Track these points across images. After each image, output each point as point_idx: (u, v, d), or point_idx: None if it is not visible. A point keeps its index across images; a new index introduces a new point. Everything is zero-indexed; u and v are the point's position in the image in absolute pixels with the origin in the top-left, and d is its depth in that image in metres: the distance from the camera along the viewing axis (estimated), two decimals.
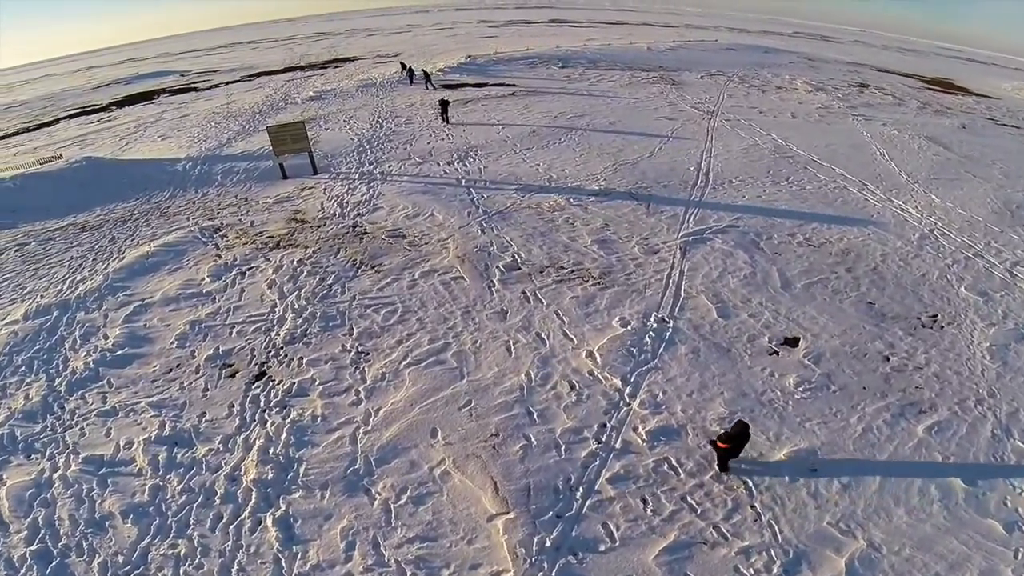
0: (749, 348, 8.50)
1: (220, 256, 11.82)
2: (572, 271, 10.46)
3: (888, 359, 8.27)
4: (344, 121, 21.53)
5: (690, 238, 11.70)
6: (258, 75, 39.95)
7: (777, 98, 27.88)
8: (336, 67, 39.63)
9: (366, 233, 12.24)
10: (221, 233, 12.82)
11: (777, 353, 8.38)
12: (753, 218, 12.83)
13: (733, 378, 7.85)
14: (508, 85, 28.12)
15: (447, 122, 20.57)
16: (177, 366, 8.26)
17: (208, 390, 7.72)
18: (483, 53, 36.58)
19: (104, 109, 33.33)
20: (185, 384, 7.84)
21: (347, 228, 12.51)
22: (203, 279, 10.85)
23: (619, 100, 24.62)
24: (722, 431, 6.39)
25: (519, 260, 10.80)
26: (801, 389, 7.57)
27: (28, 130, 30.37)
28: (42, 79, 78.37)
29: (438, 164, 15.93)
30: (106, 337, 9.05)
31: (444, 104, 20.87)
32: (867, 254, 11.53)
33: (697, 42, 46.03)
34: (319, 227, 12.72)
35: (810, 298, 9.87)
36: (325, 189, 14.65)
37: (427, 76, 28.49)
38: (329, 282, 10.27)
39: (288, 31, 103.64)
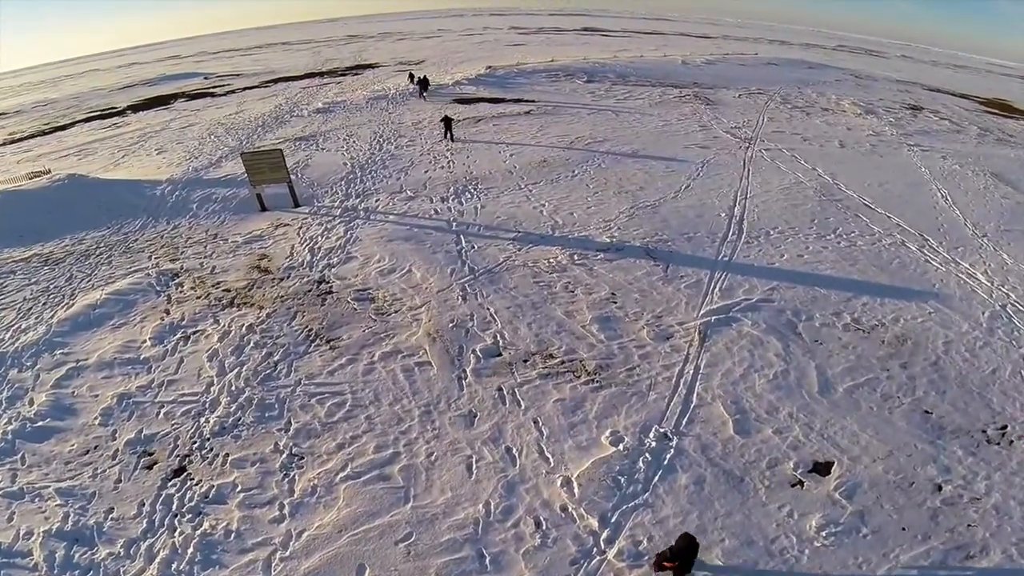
0: (767, 478, 6.68)
1: (168, 312, 10.53)
2: (563, 361, 8.59)
3: (940, 488, 6.59)
4: (343, 140, 20.13)
5: (713, 318, 9.65)
6: (277, 80, 39.23)
7: (823, 122, 25.23)
8: (355, 74, 38.57)
9: (331, 292, 10.64)
10: (178, 281, 11.49)
11: (802, 484, 6.63)
12: (792, 288, 10.68)
13: (740, 519, 6.16)
14: (526, 101, 26.29)
15: (452, 140, 19.31)
16: (95, 447, 7.39)
17: (121, 481, 6.85)
18: (505, 64, 34.86)
19: (120, 113, 32.98)
20: (99, 471, 7.02)
21: (312, 284, 10.94)
22: (144, 341, 9.69)
23: (646, 122, 22.48)
24: (665, 548, 5.42)
25: (501, 342, 9.00)
26: (824, 534, 6.01)
27: (43, 133, 30.13)
28: (86, 74, 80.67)
29: (431, 200, 14.25)
30: (31, 403, 8.31)
31: (448, 122, 19.55)
32: (927, 342, 9.33)
33: (736, 56, 43.11)
34: (281, 280, 11.19)
35: (853, 406, 7.85)
36: (300, 228, 13.14)
37: (424, 84, 26.99)
38: (276, 358, 8.78)
39: (326, 32, 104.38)
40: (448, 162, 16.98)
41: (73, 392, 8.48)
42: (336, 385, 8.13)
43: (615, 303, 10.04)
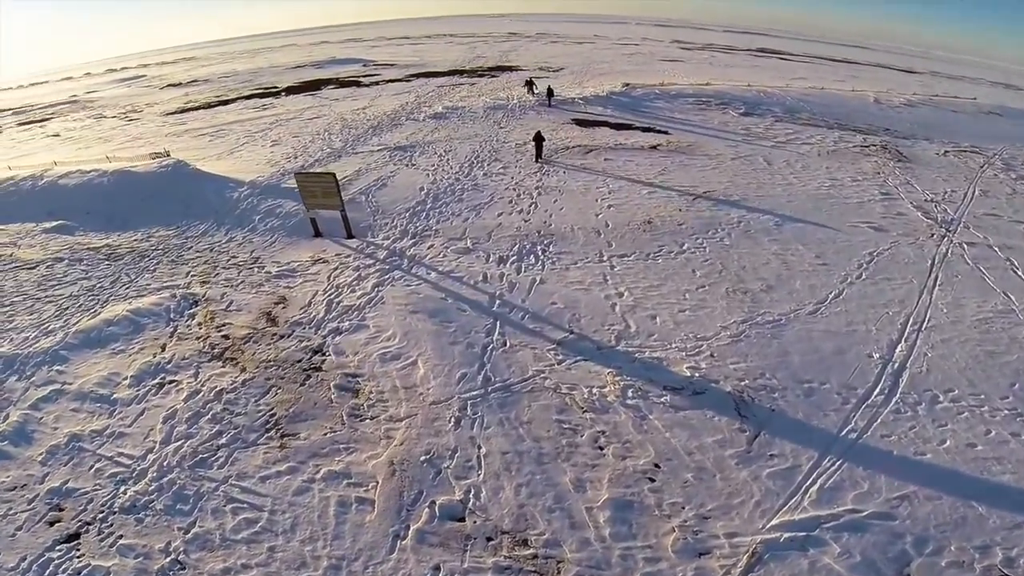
0: None
1: (164, 349, 9.79)
2: (535, 556, 5.91)
3: None
4: (438, 156, 18.46)
5: (785, 534, 5.91)
6: (420, 75, 39.65)
7: None
8: (492, 76, 37.39)
9: (319, 370, 8.78)
10: (192, 312, 10.69)
11: None
12: (935, 499, 6.41)
13: None
14: (657, 131, 22.41)
15: (540, 160, 17.77)
16: (22, 485, 7.15)
17: (20, 530, 6.53)
18: (647, 83, 30.83)
19: (275, 95, 35.58)
20: (9, 512, 6.75)
21: (306, 352, 9.21)
22: (125, 379, 9.10)
23: (808, 178, 17.40)
24: None
25: (471, 503, 6.47)
26: None
27: (208, 106, 33.51)
28: (283, 48, 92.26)
29: (486, 259, 11.70)
30: (4, 419, 8.28)
31: (539, 140, 17.70)
32: None
33: (947, 99, 33.22)
34: (281, 338, 9.65)
35: None
36: (335, 270, 11.53)
37: (550, 93, 25.62)
38: (221, 442, 7.51)
39: (490, 28, 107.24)
40: (529, 205, 14.25)
41: (41, 418, 8.30)
42: (260, 497, 6.71)
43: (652, 481, 6.70)
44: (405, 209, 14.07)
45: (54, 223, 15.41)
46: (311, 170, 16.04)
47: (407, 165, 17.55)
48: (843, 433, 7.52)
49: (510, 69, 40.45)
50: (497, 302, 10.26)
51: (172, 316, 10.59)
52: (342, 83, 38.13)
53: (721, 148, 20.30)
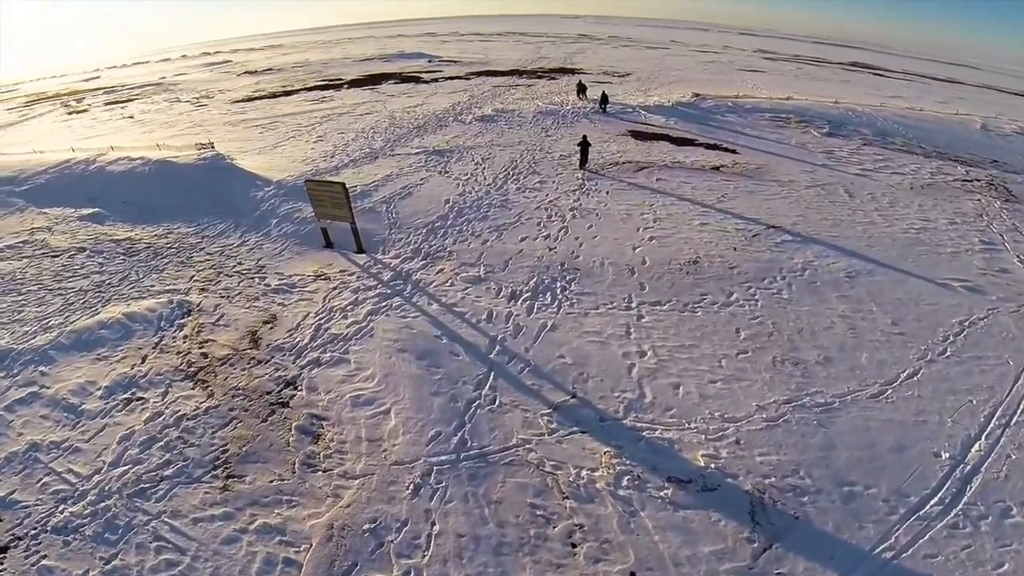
0: None
1: (144, 361, 9.29)
2: None
3: None
4: (474, 164, 17.32)
5: None
6: (480, 74, 38.82)
7: None
8: (551, 79, 35.88)
9: (285, 406, 7.97)
10: (182, 323, 10.09)
11: None
12: None
13: None
14: (723, 150, 20.13)
15: (584, 167, 16.95)
16: None
17: None
18: (720, 94, 28.21)
19: (336, 87, 35.87)
20: None
21: (278, 384, 8.40)
22: (98, 389, 8.75)
23: (895, 217, 14.74)
24: None
25: None
26: None
27: (272, 96, 34.21)
28: (361, 40, 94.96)
29: (496, 293, 10.37)
30: None
31: (585, 146, 16.76)
32: None
33: None
34: (258, 364, 8.88)
35: None
36: (333, 290, 10.64)
37: (604, 100, 24.11)
38: (166, 473, 7.01)
39: (563, 28, 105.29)
40: (559, 230, 12.74)
41: (11, 422, 8.12)
42: (187, 540, 6.20)
43: None
44: (424, 224, 13.00)
45: (90, 210, 15.63)
46: (323, 178, 15.33)
47: (440, 172, 16.52)
48: (877, 551, 5.72)
49: (572, 72, 38.73)
50: (497, 348, 8.93)
51: (162, 325, 10.10)
52: (403, 78, 37.96)
53: (796, 173, 17.81)
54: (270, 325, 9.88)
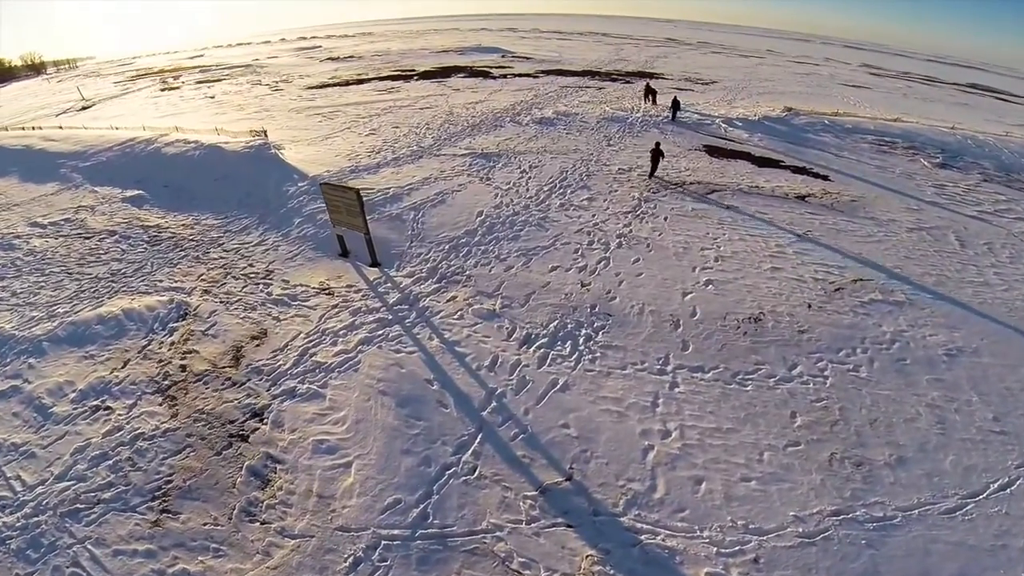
0: None
1: (125, 365, 8.80)
2: None
3: None
4: (520, 172, 15.87)
5: None
6: (550, 72, 37.22)
7: None
8: (626, 82, 33.59)
9: (244, 440, 7.18)
10: (176, 327, 9.51)
11: None
12: None
13: None
14: (812, 175, 17.38)
15: (652, 176, 15.92)
16: None
17: None
18: (816, 109, 24.87)
19: (406, 78, 35.63)
20: None
21: (244, 413, 7.55)
22: (74, 391, 8.36)
23: (1016, 276, 11.65)
24: None
25: None
26: None
27: (344, 84, 34.46)
28: (448, 31, 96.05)
29: (508, 334, 8.88)
30: None
31: (657, 154, 15.62)
32: None
33: None
34: (232, 386, 8.07)
35: None
36: (332, 309, 9.62)
37: (675, 107, 22.06)
38: (104, 496, 6.46)
39: (651, 31, 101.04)
40: (599, 261, 10.99)
41: None
42: (102, 571, 5.68)
43: None
44: (448, 239, 11.73)
45: (134, 192, 15.77)
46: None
47: (481, 179, 15.21)
48: None
49: (650, 76, 36.14)
50: (493, 404, 7.48)
51: (155, 327, 9.56)
52: (473, 72, 37.12)
53: (897, 210, 14.86)
54: (257, 342, 9.01)
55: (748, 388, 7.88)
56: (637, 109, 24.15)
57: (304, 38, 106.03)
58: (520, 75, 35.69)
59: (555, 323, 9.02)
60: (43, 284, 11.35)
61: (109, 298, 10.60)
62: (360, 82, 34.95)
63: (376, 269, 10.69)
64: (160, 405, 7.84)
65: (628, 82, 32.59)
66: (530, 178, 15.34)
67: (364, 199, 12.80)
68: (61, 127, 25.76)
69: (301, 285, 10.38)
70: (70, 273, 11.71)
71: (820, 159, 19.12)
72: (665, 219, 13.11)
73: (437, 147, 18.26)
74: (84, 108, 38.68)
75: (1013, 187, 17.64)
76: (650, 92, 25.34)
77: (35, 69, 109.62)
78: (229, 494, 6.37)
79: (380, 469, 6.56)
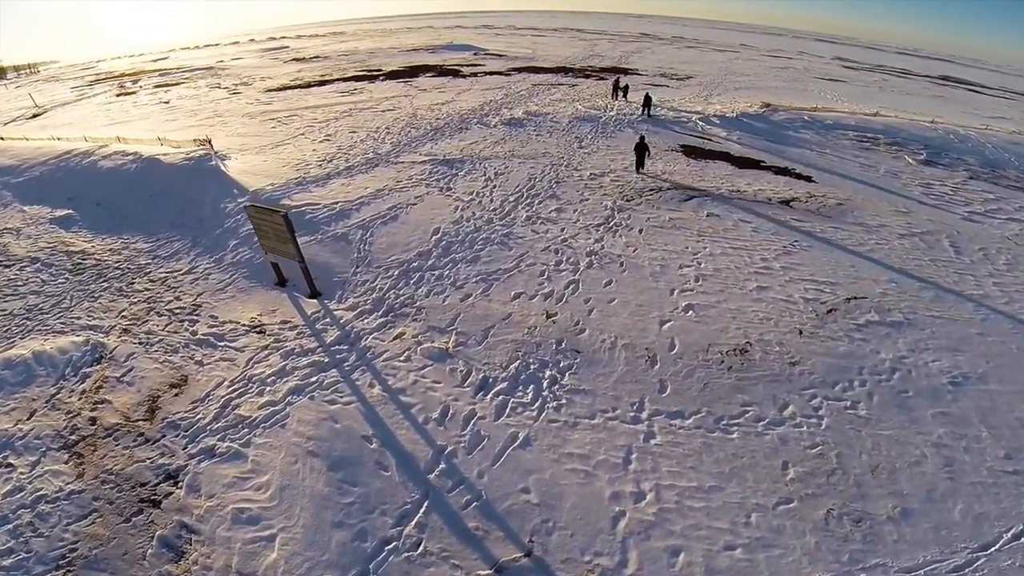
0: None
1: (31, 417, 7.79)
2: None
3: None
4: (484, 180, 14.73)
5: None
6: (522, 69, 36.06)
7: None
8: (600, 78, 32.59)
9: (156, 507, 6.18)
10: (89, 371, 8.26)
11: None
12: None
13: None
14: (796, 176, 16.57)
15: (640, 171, 15.78)
16: None
17: None
18: (794, 105, 24.18)
19: (372, 79, 34.15)
20: None
21: (156, 475, 6.53)
22: None
23: (1013, 286, 10.88)
24: None
25: None
26: None
27: (306, 86, 32.86)
28: (422, 29, 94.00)
29: (462, 379, 7.76)
30: None
31: (642, 148, 15.39)
32: None
33: None
34: (144, 443, 6.97)
35: None
36: (260, 353, 8.39)
37: (648, 101, 21.36)
38: (3, 564, 5.65)
39: (626, 27, 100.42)
40: (568, 285, 9.92)
41: None
42: None
43: None
44: (399, 263, 10.55)
45: (63, 212, 14.27)
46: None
47: (441, 189, 14.03)
48: None
49: (624, 72, 35.22)
50: (442, 466, 6.40)
51: (66, 372, 8.34)
52: (442, 71, 35.78)
53: (886, 214, 14.10)
54: (176, 391, 7.79)
55: (733, 436, 6.89)
56: (610, 107, 23.16)
57: (273, 38, 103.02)
58: (491, 73, 34.48)
59: (516, 363, 7.93)
60: None
61: (21, 339, 9.26)
62: (323, 83, 33.39)
63: (315, 301, 9.47)
64: (66, 463, 6.75)
65: (602, 78, 31.57)
66: (495, 187, 14.21)
67: (308, 217, 11.59)
68: (2, 138, 23.82)
69: (230, 322, 9.13)
70: None
71: (802, 158, 18.35)
72: (640, 232, 12.10)
73: (395, 153, 17.02)
74: (35, 116, 36.39)
75: (1000, 184, 17.06)
76: (619, 88, 24.39)
77: None
78: (139, 566, 5.53)
79: (307, 544, 5.56)
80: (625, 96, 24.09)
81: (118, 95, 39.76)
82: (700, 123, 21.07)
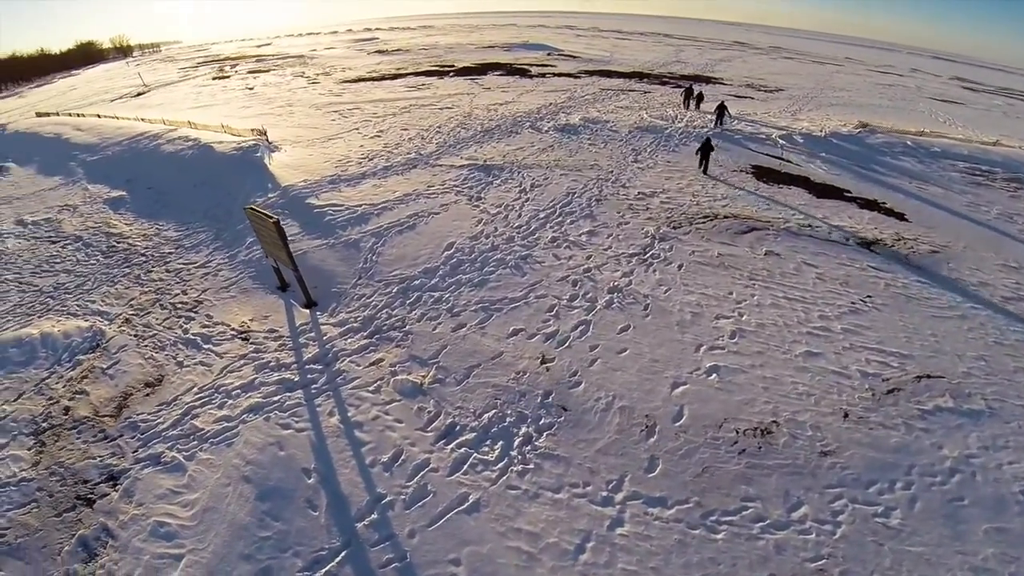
0: None
1: (16, 399, 8.15)
2: None
3: None
4: (517, 191, 13.81)
5: None
6: (594, 73, 34.58)
7: None
8: (677, 86, 30.42)
9: (89, 506, 6.18)
10: (83, 358, 8.41)
11: None
12: None
13: None
14: (886, 212, 14.22)
15: (705, 173, 15.52)
16: None
17: None
18: (896, 127, 21.07)
19: (442, 74, 34.14)
20: None
21: (100, 474, 6.59)
22: None
23: None
24: None
25: None
26: None
27: (379, 78, 33.44)
28: (505, 27, 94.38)
29: (427, 423, 6.94)
30: None
31: (707, 148, 15.18)
32: None
33: None
34: (102, 440, 7.08)
35: None
36: (236, 362, 8.06)
37: (721, 111, 19.59)
38: None
39: (721, 34, 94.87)
40: (576, 327, 8.76)
41: None
42: None
43: None
44: (401, 278, 9.91)
45: (118, 193, 15.08)
46: (259, 208, 12.88)
47: (470, 198, 13.28)
48: None
49: (707, 81, 32.72)
50: (373, 516, 5.67)
51: (63, 357, 8.58)
52: (511, 70, 35.13)
53: (991, 269, 11.62)
54: (149, 390, 7.67)
55: (719, 536, 5.58)
56: (680, 118, 21.34)
57: (368, 30, 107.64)
58: (560, 75, 33.32)
59: (492, 413, 7.00)
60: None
61: (39, 317, 9.65)
62: (395, 77, 33.83)
63: (309, 311, 9.04)
64: (28, 450, 6.93)
65: (679, 86, 29.44)
66: (527, 200, 13.25)
67: (327, 219, 11.27)
68: (99, 116, 26.12)
69: (222, 324, 8.93)
70: (21, 283, 10.94)
71: (897, 190, 15.78)
72: (680, 268, 10.65)
73: (438, 155, 16.50)
74: (139, 94, 40.03)
75: None
76: (692, 96, 22.46)
77: (123, 52, 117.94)
78: (51, 562, 5.62)
79: (208, 572, 5.19)
80: (698, 106, 22.15)
81: (214, 79, 42.75)
82: (780, 141, 18.83)
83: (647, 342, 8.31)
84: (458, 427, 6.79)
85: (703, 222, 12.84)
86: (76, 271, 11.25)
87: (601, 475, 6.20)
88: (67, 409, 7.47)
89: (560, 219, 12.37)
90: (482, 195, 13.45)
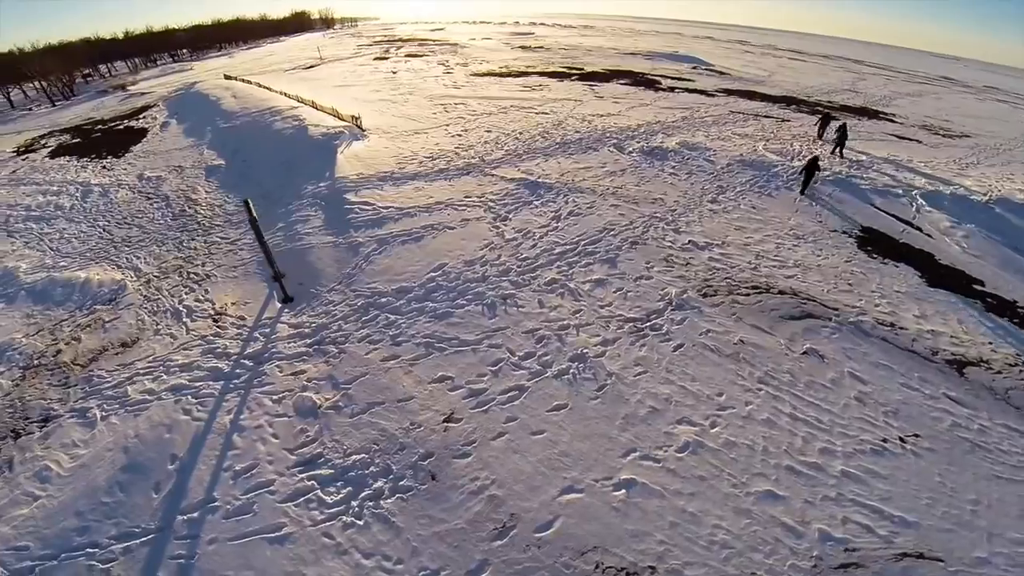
0: None
1: (35, 335, 9.84)
2: None
3: None
4: (550, 216, 12.95)
5: None
6: (735, 93, 31.13)
7: None
8: (834, 118, 25.95)
9: (16, 438, 7.35)
10: (100, 307, 9.93)
11: None
12: None
13: None
14: (1021, 321, 10.69)
15: (803, 193, 14.94)
16: None
17: None
18: None
19: (564, 77, 33.47)
20: None
21: (40, 416, 7.87)
22: None
23: None
24: None
25: None
26: None
27: (507, 75, 33.88)
28: (667, 34, 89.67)
29: (294, 447, 6.83)
30: None
31: (813, 167, 14.70)
32: None
33: None
34: (59, 386, 8.31)
35: None
36: (195, 341, 8.78)
37: (842, 135, 17.68)
38: None
39: (925, 66, 78.37)
40: (507, 392, 7.92)
41: None
42: None
43: None
44: (373, 292, 9.89)
45: (218, 162, 17.28)
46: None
47: (496, 217, 12.81)
48: None
49: (874, 115, 27.43)
50: (194, 515, 5.92)
51: (86, 304, 10.11)
52: (638, 80, 33.13)
53: None
54: (121, 349, 8.77)
55: None
56: (805, 155, 18.21)
57: (534, 23, 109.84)
58: (693, 91, 30.52)
59: (361, 456, 6.68)
60: (78, 235, 12.93)
61: (96, 263, 11.50)
62: (520, 75, 34.01)
63: (283, 306, 9.50)
64: (11, 382, 8.20)
65: (835, 118, 25.17)
66: (554, 229, 12.38)
67: (350, 217, 11.72)
68: (253, 83, 30.22)
69: (209, 302, 9.83)
70: (105, 230, 13.16)
71: None
72: (676, 349, 9.03)
73: (498, 164, 16.19)
74: (310, 67, 45.65)
75: None
76: (826, 119, 19.17)
77: (327, 24, 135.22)
78: None
79: (46, 516, 6.07)
80: (839, 148, 18.41)
81: (375, 59, 47.00)
82: (919, 200, 15.12)
83: (572, 431, 7.22)
84: (321, 459, 6.61)
85: (747, 294, 10.79)
86: (146, 228, 13.16)
87: (420, 559, 5.57)
88: (58, 352, 8.77)
89: (575, 259, 11.33)
90: (510, 216, 12.88)
